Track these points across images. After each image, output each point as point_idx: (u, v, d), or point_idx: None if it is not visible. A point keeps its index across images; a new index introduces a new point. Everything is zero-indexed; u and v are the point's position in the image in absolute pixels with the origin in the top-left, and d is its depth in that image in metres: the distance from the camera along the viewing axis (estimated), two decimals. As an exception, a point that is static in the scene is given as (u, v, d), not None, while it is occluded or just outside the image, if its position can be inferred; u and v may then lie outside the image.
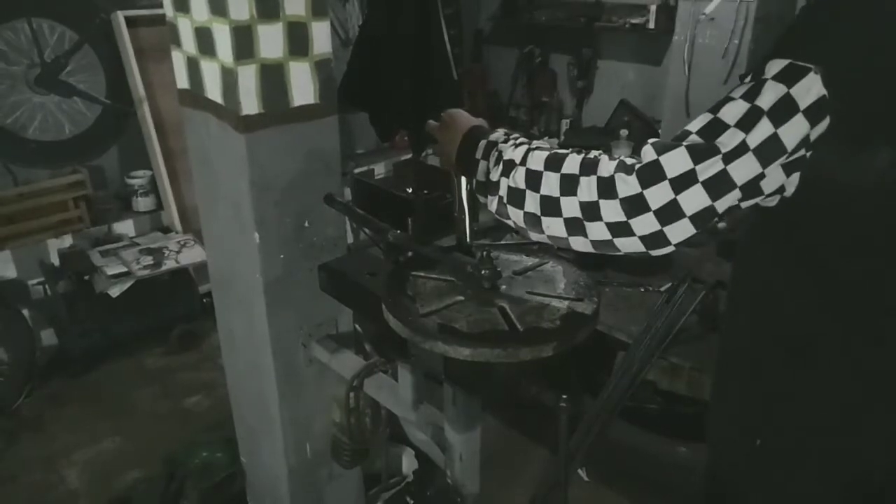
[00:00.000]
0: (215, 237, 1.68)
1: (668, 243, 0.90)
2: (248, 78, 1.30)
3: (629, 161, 0.91)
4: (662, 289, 2.20)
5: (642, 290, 2.28)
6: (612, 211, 0.90)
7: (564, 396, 1.38)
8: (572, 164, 0.95)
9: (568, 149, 1.01)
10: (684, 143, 0.87)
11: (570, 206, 0.93)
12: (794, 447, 1.05)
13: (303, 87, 1.39)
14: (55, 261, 3.16)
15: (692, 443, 2.50)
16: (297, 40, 1.34)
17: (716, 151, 0.85)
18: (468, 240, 1.22)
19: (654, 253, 0.92)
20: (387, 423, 1.59)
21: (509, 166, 1.01)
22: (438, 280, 1.20)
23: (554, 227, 0.96)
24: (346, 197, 2.55)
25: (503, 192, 1.02)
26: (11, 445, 2.68)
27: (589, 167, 0.93)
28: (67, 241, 3.22)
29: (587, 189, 0.92)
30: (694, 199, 0.87)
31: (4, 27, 3.03)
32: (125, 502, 2.38)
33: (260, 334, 1.56)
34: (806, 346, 0.99)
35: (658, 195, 0.87)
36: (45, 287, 3.15)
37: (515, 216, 1.01)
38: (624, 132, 4.04)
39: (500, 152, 1.05)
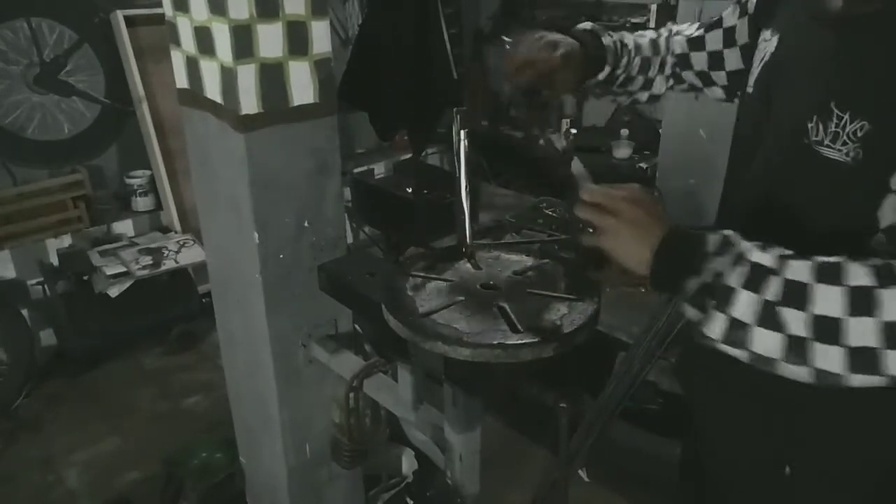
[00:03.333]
0: (214, 237, 1.67)
1: None
2: (247, 77, 1.30)
3: None
4: (663, 289, 2.20)
5: (642, 290, 2.27)
6: None
7: (564, 397, 1.38)
8: (859, 273, 0.74)
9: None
10: None
11: (864, 331, 0.72)
12: (827, 471, 1.03)
13: (302, 87, 1.38)
14: (54, 261, 3.15)
15: (692, 443, 2.50)
16: (297, 40, 1.34)
17: None
18: (468, 240, 1.22)
19: None
20: (387, 424, 1.59)
21: (760, 274, 0.78)
22: (438, 280, 1.20)
23: (830, 358, 0.74)
24: (346, 197, 2.55)
25: (744, 309, 0.78)
26: (10, 446, 2.68)
27: (889, 276, 0.73)
28: (66, 241, 3.22)
29: (895, 305, 0.71)
30: None
31: (3, 27, 3.02)
32: (124, 503, 2.38)
33: (259, 334, 1.56)
34: None
35: None
36: (44, 287, 3.15)
37: (763, 342, 0.77)
38: (624, 132, 4.03)
39: (741, 254, 0.80)
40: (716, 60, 1.27)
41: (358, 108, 2.66)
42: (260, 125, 1.34)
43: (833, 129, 0.87)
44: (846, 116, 0.86)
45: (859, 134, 0.85)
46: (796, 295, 0.75)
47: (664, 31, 1.39)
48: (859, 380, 0.74)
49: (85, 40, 3.27)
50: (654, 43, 1.36)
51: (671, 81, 1.37)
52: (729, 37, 1.23)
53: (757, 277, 0.78)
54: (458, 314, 1.08)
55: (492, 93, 4.96)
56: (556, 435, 1.43)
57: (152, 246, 3.26)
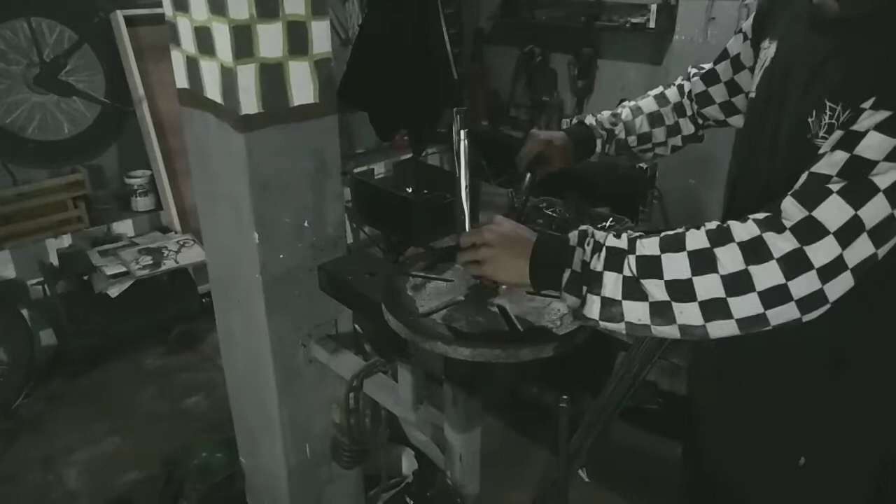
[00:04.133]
0: (214, 237, 1.67)
1: (825, 302, 0.83)
2: (247, 77, 1.30)
3: (764, 217, 0.84)
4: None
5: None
6: (767, 276, 0.81)
7: (564, 397, 1.38)
8: (696, 239, 0.86)
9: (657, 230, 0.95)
10: (835, 190, 0.81)
11: (709, 286, 0.84)
12: (841, 460, 1.07)
13: (302, 87, 1.38)
14: (54, 261, 3.15)
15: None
16: (297, 40, 1.34)
17: (874, 191, 0.79)
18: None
19: (807, 318, 0.84)
20: (387, 424, 1.59)
21: (617, 256, 0.89)
22: (438, 280, 1.20)
23: (687, 313, 0.86)
24: (346, 197, 2.55)
25: (612, 287, 0.89)
26: (10, 445, 2.68)
27: (720, 237, 0.85)
28: (66, 240, 3.22)
29: (729, 259, 0.83)
30: (860, 250, 0.81)
31: (4, 27, 3.02)
32: (124, 502, 2.38)
33: (259, 334, 1.56)
34: (845, 359, 1.01)
35: (822, 251, 0.80)
36: (44, 287, 3.15)
37: (634, 311, 0.88)
38: (624, 132, 4.04)
39: (599, 242, 0.92)
40: (732, 88, 1.31)
41: (358, 108, 2.67)
42: (260, 125, 1.34)
43: (827, 120, 0.91)
44: (838, 108, 0.89)
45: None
46: (650, 267, 0.87)
47: (678, 80, 1.46)
48: (717, 327, 0.85)
49: (85, 40, 3.27)
50: (662, 96, 1.45)
51: (700, 121, 1.43)
52: (737, 63, 1.29)
53: (616, 259, 0.89)
54: (458, 314, 1.08)
55: (491, 93, 4.97)
56: (556, 435, 1.44)
57: (152, 246, 3.26)
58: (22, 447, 2.68)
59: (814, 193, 0.82)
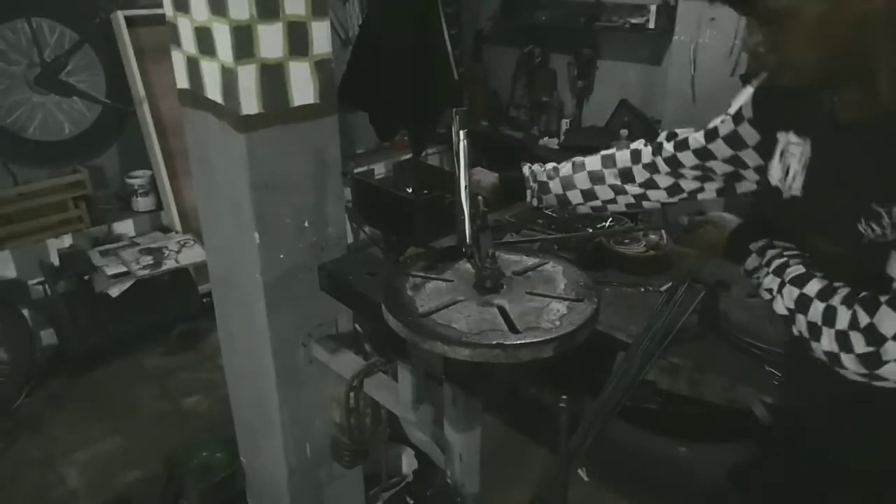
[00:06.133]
0: (215, 237, 1.68)
1: None
2: (247, 78, 1.30)
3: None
4: (662, 289, 2.20)
5: (642, 290, 2.27)
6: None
7: (564, 396, 1.38)
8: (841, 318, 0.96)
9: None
10: None
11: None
12: None
13: (303, 87, 1.38)
14: (55, 261, 3.16)
15: (692, 443, 2.50)
16: (297, 40, 1.34)
17: None
18: (468, 240, 1.22)
19: None
20: (387, 423, 1.59)
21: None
22: (438, 280, 1.20)
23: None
24: (346, 197, 2.55)
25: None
26: (11, 445, 2.68)
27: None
28: (67, 240, 3.22)
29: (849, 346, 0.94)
30: None
31: (4, 27, 3.03)
32: (125, 502, 2.38)
33: (260, 334, 1.56)
34: None
35: None
36: (44, 287, 3.15)
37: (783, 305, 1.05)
38: (624, 132, 4.04)
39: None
40: (736, 161, 1.28)
41: (358, 108, 2.67)
42: (260, 125, 1.35)
43: (887, 222, 0.93)
44: (893, 209, 0.92)
45: None
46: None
47: (633, 145, 1.45)
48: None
49: (86, 40, 3.27)
50: (610, 157, 1.45)
51: (699, 183, 1.38)
52: (737, 140, 1.25)
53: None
54: (458, 314, 1.08)
55: (491, 93, 4.97)
56: (556, 434, 1.44)
57: (153, 246, 3.27)
58: (22, 447, 2.68)
59: None
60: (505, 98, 4.96)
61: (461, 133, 1.15)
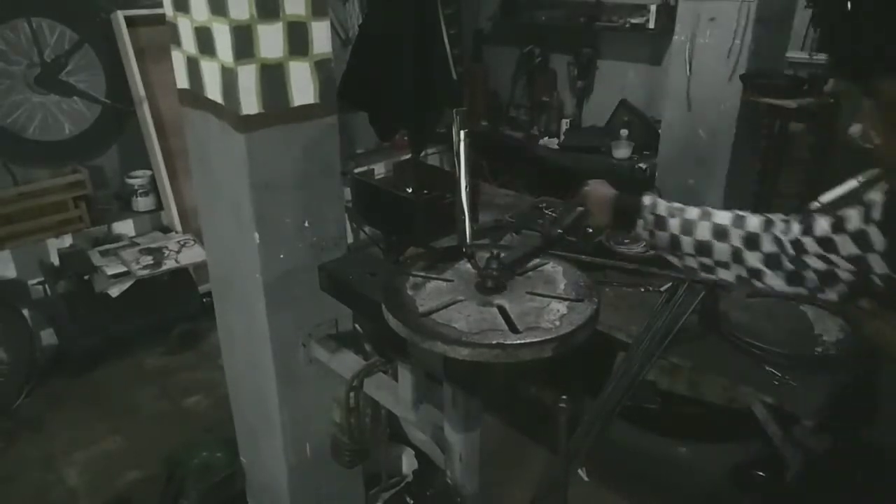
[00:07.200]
0: (215, 237, 1.68)
1: None
2: (247, 78, 1.30)
3: None
4: (662, 289, 2.20)
5: (642, 290, 2.27)
6: None
7: (564, 396, 1.38)
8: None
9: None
10: None
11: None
12: None
13: (303, 87, 1.39)
14: (55, 261, 3.15)
15: (692, 443, 2.50)
16: (297, 40, 1.34)
17: None
18: (468, 240, 1.22)
19: None
20: (387, 423, 1.59)
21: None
22: (438, 280, 1.20)
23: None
24: (346, 197, 2.55)
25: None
26: (11, 445, 2.68)
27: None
28: (67, 240, 3.22)
29: None
30: None
31: (4, 27, 3.02)
32: (125, 502, 2.38)
33: (260, 334, 1.56)
34: None
35: None
36: (44, 287, 3.15)
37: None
38: (624, 132, 4.03)
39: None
40: (859, 261, 1.11)
41: (358, 108, 2.66)
42: (260, 125, 1.35)
43: None
44: None
45: None
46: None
47: (765, 217, 1.26)
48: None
49: (86, 40, 3.27)
50: (741, 218, 1.26)
51: (813, 268, 1.18)
52: (864, 241, 1.09)
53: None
54: (458, 314, 1.08)
55: (491, 93, 4.97)
56: (556, 434, 1.44)
57: (153, 246, 3.27)
58: (22, 447, 2.68)
59: None
60: (505, 98, 4.96)
61: (461, 133, 1.15)
